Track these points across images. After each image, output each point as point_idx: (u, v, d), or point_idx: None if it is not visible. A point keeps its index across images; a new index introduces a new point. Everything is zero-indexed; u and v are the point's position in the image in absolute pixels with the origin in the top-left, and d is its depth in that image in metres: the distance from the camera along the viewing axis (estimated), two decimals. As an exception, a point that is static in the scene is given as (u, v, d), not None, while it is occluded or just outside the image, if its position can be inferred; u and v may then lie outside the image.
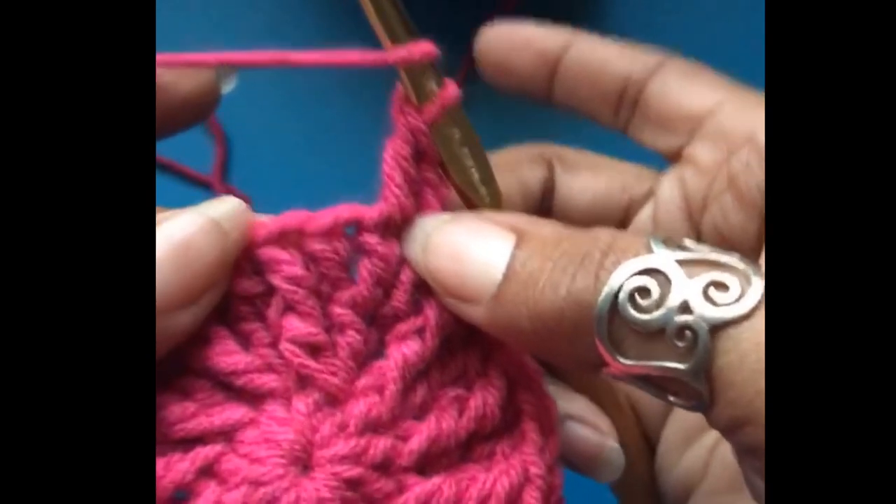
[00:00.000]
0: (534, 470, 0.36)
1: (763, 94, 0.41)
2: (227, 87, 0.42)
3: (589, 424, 0.38)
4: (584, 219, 0.42)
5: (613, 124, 0.43)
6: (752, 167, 0.39)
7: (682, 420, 0.42)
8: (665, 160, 0.43)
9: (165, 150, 0.52)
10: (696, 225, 0.41)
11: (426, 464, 0.36)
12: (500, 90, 0.44)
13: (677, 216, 0.41)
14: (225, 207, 0.34)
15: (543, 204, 0.43)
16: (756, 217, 0.39)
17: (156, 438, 0.34)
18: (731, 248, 0.37)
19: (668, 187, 0.42)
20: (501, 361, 0.37)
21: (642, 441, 0.43)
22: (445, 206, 0.37)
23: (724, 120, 0.40)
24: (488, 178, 0.37)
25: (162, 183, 0.35)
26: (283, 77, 0.75)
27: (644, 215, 0.42)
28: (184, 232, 0.32)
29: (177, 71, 0.38)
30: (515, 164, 0.43)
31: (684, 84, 0.41)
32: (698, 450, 0.41)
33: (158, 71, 0.37)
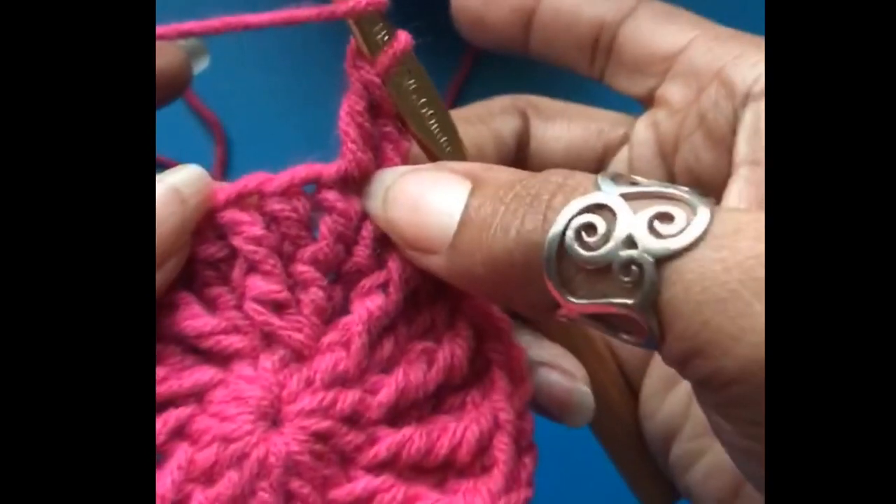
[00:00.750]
0: (503, 416, 0.36)
1: (736, 31, 0.41)
2: (200, 66, 0.42)
3: (560, 370, 0.38)
4: (560, 167, 0.42)
5: (590, 72, 0.43)
6: (719, 103, 0.38)
7: (662, 366, 0.41)
8: (642, 106, 0.43)
9: (165, 149, 0.52)
10: (669, 166, 0.41)
11: (397, 416, 0.36)
12: (478, 45, 0.44)
13: (651, 159, 0.41)
14: (184, 174, 0.34)
15: (519, 154, 0.43)
16: (725, 154, 0.39)
17: None
18: (703, 187, 0.37)
19: (642, 130, 0.41)
20: (469, 313, 0.37)
21: (625, 389, 0.43)
22: (406, 160, 0.37)
23: (694, 57, 0.40)
24: (448, 127, 0.37)
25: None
26: (283, 77, 0.75)
27: (619, 161, 0.42)
28: None
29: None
30: (488, 116, 0.43)
31: (656, 25, 0.41)
32: (679, 394, 0.41)
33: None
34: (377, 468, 0.35)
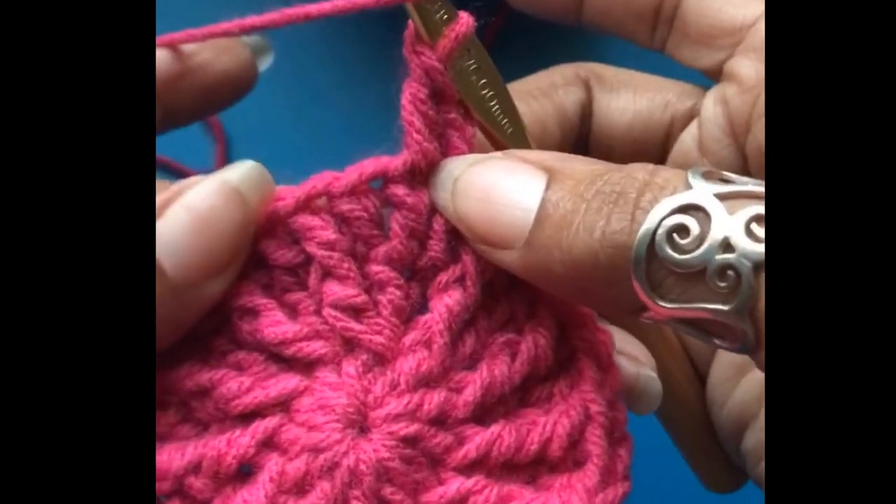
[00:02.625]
0: (594, 408, 0.35)
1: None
2: (265, 64, 0.41)
3: (626, 355, 0.37)
4: (625, 140, 0.41)
5: (650, 44, 0.41)
6: None
7: (731, 353, 0.40)
8: (708, 79, 0.40)
9: (165, 149, 0.52)
10: (741, 146, 0.39)
11: (483, 413, 0.35)
12: (531, 16, 0.42)
13: (722, 138, 0.39)
14: (242, 171, 0.33)
15: (582, 127, 0.41)
16: None
17: (214, 415, 0.34)
18: None
19: (711, 106, 0.39)
20: (549, 300, 0.36)
21: (693, 375, 0.42)
22: (473, 147, 0.35)
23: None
24: (509, 108, 0.36)
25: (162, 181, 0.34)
26: (283, 76, 0.73)
27: (688, 136, 0.40)
28: (204, 203, 0.32)
29: (214, 49, 0.37)
30: (551, 88, 0.41)
31: None
32: (752, 382, 0.40)
33: (195, 49, 0.37)
34: (468, 468, 0.35)
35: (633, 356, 0.37)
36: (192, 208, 0.32)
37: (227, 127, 0.75)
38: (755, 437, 0.40)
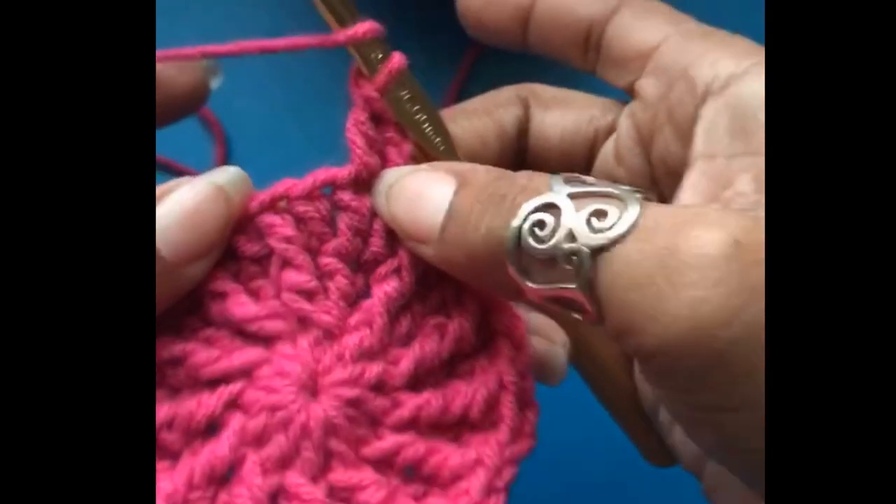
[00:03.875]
0: (507, 378, 0.41)
1: (707, 27, 0.43)
2: (216, 83, 0.46)
3: (540, 335, 0.43)
4: (557, 152, 0.46)
5: (584, 66, 0.46)
6: (683, 100, 0.41)
7: None
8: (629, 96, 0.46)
9: (165, 149, 0.54)
10: (647, 155, 0.44)
11: (416, 382, 0.42)
12: (482, 42, 0.48)
13: (633, 147, 0.44)
14: (228, 175, 0.40)
15: (520, 141, 0.47)
16: (689, 147, 0.41)
17: (186, 381, 0.41)
18: (675, 177, 0.41)
19: (624, 120, 0.45)
20: (474, 290, 0.42)
21: (622, 356, 0.47)
22: (408, 161, 0.42)
23: (665, 55, 0.43)
24: (440, 129, 0.42)
25: (162, 182, 0.39)
26: (283, 77, 0.77)
27: (608, 148, 0.46)
28: (194, 199, 0.38)
29: (175, 67, 0.42)
30: (492, 107, 0.47)
31: (636, 22, 0.44)
32: None
33: (160, 66, 0.41)
34: (402, 427, 0.41)
35: (547, 335, 0.43)
36: (182, 203, 0.38)
37: (227, 127, 0.76)
38: (665, 410, 0.44)
